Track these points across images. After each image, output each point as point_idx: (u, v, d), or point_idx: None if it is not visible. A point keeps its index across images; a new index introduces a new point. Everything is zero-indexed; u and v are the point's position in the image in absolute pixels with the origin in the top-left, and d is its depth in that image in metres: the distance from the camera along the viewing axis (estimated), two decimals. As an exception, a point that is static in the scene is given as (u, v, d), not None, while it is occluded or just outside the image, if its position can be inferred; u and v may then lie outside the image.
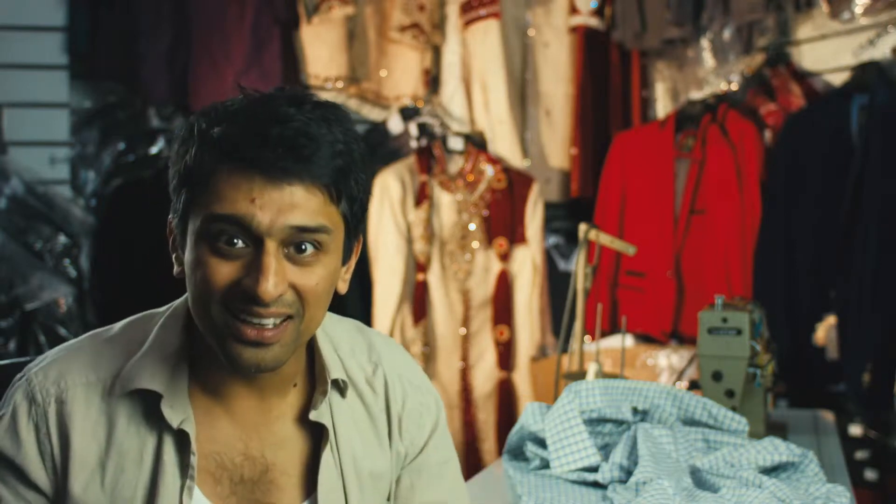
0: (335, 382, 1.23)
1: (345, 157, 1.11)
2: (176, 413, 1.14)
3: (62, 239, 3.18)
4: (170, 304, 1.22)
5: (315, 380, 1.23)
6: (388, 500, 1.31)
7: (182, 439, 1.15)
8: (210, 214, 1.08)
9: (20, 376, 1.17)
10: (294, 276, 1.10)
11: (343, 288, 1.20)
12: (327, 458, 1.21)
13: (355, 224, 1.16)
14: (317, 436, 1.22)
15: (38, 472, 1.14)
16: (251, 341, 1.09)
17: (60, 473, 1.13)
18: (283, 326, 1.11)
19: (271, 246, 1.08)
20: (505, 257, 3.43)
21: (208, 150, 1.09)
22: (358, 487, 1.24)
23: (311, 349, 1.24)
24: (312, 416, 1.20)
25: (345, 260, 1.18)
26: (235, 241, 1.08)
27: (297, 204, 1.07)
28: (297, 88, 1.16)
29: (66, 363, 1.16)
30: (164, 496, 1.13)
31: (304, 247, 1.10)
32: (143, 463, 1.14)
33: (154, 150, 3.37)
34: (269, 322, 1.09)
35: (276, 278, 1.08)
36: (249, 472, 1.19)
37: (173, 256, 1.16)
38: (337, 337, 1.28)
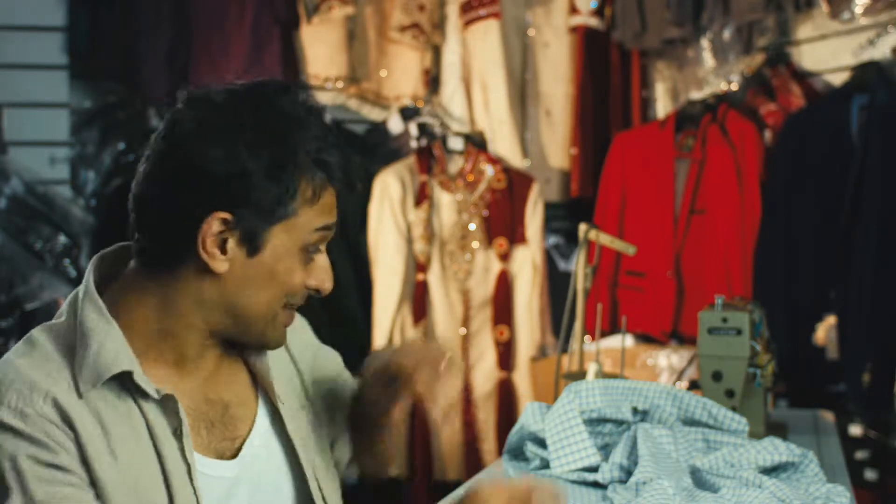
0: None
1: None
2: (149, 383, 1.20)
3: (62, 239, 3.18)
4: (58, 314, 1.27)
5: None
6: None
7: (165, 404, 1.21)
8: (324, 225, 1.25)
9: None
10: None
11: None
12: (263, 394, 1.35)
13: None
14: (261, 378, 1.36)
15: (71, 460, 1.16)
16: (287, 325, 1.29)
17: (82, 462, 1.16)
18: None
19: (324, 247, 1.29)
20: (505, 257, 3.43)
21: (321, 172, 1.23)
22: (290, 410, 1.37)
23: None
24: (256, 364, 1.35)
25: None
26: (317, 247, 1.27)
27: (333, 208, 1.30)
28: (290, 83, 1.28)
29: (26, 380, 1.17)
30: (170, 461, 1.19)
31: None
32: (140, 439, 1.19)
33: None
34: None
35: None
36: (213, 415, 1.28)
37: (215, 251, 1.20)
38: None
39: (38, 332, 1.23)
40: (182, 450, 1.21)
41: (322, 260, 1.27)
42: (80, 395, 1.17)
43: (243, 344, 1.31)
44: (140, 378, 1.19)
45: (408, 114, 3.69)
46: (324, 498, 1.36)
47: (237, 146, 1.17)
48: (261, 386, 1.35)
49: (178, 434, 1.21)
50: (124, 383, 1.20)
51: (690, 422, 1.81)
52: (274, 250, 1.22)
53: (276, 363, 1.36)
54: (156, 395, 1.20)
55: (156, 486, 1.19)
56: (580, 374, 2.46)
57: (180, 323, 1.24)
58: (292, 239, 1.22)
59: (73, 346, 1.20)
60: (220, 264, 1.21)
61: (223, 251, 1.20)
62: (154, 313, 1.24)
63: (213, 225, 1.19)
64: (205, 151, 1.17)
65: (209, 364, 1.30)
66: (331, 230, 1.26)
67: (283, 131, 1.21)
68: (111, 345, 1.19)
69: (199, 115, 1.19)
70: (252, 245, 1.21)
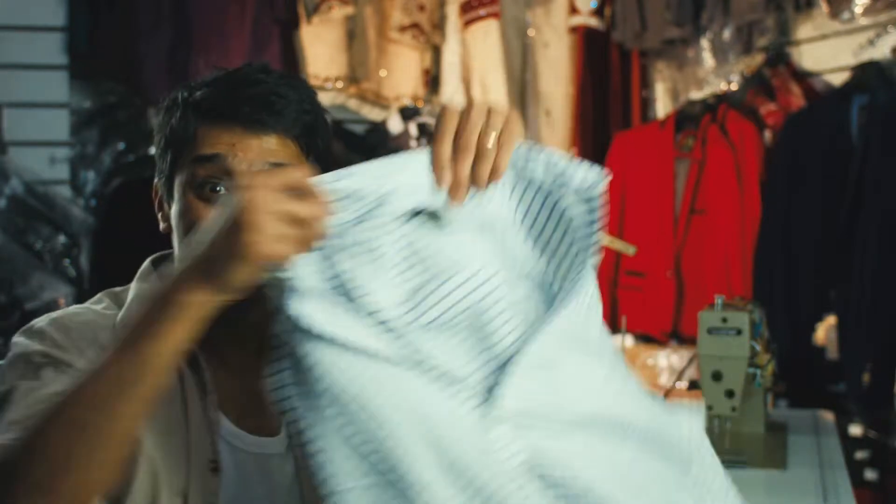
0: None
1: (311, 115, 1.24)
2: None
3: (62, 239, 3.18)
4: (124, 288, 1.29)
5: None
6: None
7: (195, 367, 1.21)
8: (195, 157, 1.19)
9: (23, 337, 1.17)
10: None
11: None
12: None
13: None
14: None
15: None
16: None
17: None
18: None
19: None
20: (505, 257, 3.43)
21: (191, 111, 1.21)
22: None
23: None
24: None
25: None
26: (219, 187, 1.18)
27: (273, 151, 1.20)
28: (266, 63, 1.30)
29: (73, 320, 1.19)
30: (194, 421, 1.19)
31: None
32: (173, 402, 1.18)
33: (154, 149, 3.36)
34: None
35: None
36: (247, 400, 1.24)
37: (159, 215, 1.27)
38: None
39: (95, 299, 1.27)
40: (205, 409, 1.20)
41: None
42: None
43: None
44: None
45: (408, 114, 3.69)
46: None
47: (161, 116, 1.26)
48: None
49: (203, 394, 1.20)
50: None
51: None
52: (178, 199, 1.21)
53: None
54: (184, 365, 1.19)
55: (178, 447, 1.17)
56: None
57: None
58: (182, 180, 1.21)
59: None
60: (163, 225, 1.26)
61: (163, 213, 1.26)
62: None
63: (155, 190, 1.28)
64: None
65: (233, 356, 1.25)
66: (213, 161, 1.18)
67: (185, 90, 1.24)
68: None
69: None
70: (168, 200, 1.24)
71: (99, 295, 1.28)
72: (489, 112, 1.03)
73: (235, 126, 1.19)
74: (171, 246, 1.26)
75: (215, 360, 1.24)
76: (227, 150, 1.18)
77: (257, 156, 1.18)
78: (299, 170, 0.97)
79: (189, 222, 1.18)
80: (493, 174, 1.02)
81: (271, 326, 1.06)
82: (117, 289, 1.28)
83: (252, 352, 1.24)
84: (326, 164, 1.22)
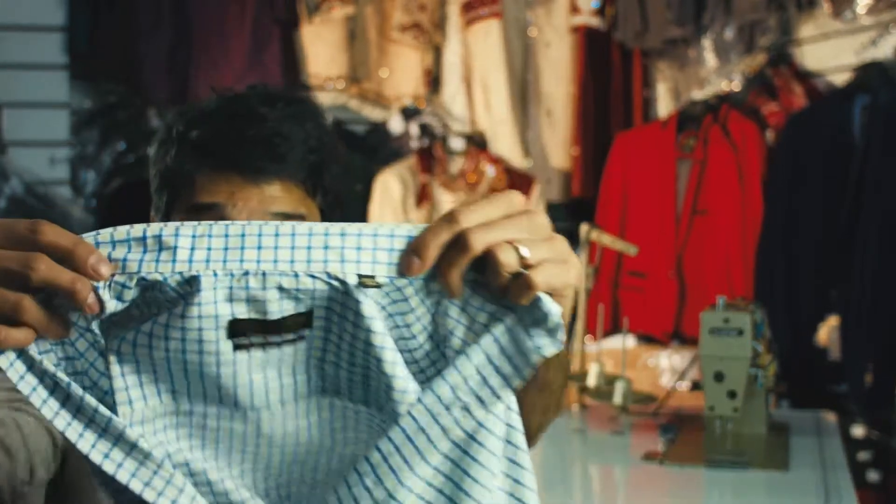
0: None
1: (318, 153, 1.15)
2: None
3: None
4: None
5: None
6: None
7: None
8: (193, 205, 1.11)
9: None
10: None
11: None
12: None
13: (330, 213, 1.19)
14: None
15: None
16: None
17: None
18: None
19: None
20: (506, 258, 3.42)
21: (187, 151, 1.13)
22: None
23: None
24: None
25: None
26: None
27: (275, 199, 1.12)
28: (268, 86, 1.21)
29: None
30: None
31: None
32: None
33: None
34: None
35: None
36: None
37: None
38: None
39: None
40: None
41: None
42: None
43: None
44: None
45: (409, 114, 3.69)
46: None
47: (155, 150, 1.19)
48: None
49: None
50: None
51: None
52: None
53: None
54: None
55: None
56: (582, 375, 2.45)
57: None
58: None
59: None
60: None
61: None
62: None
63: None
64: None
65: None
66: (211, 211, 1.10)
67: (181, 122, 1.16)
68: None
69: None
70: None
71: None
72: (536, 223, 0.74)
73: (234, 173, 1.11)
74: None
75: None
76: (226, 200, 1.10)
77: (258, 205, 1.11)
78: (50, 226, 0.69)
79: None
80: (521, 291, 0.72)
81: None
82: None
83: None
84: (335, 199, 1.19)
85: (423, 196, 3.38)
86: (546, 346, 0.73)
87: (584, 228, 2.43)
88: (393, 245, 0.73)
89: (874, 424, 3.02)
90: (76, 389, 0.72)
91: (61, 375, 0.72)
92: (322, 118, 1.19)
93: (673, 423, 2.30)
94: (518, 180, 3.46)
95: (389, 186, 3.36)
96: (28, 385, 0.71)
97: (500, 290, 0.73)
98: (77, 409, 0.72)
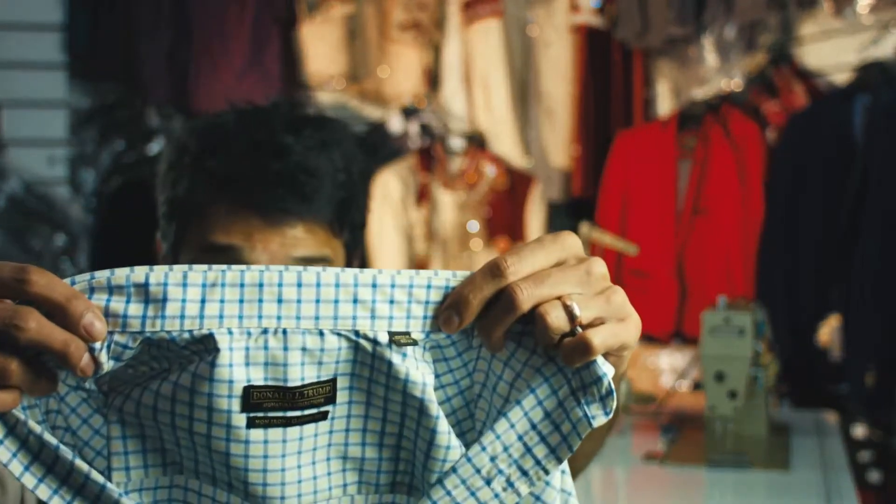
0: None
1: (346, 188, 1.05)
2: None
3: (61, 239, 3.17)
4: None
5: None
6: None
7: None
8: (207, 244, 1.01)
9: None
10: None
11: None
12: None
13: (355, 246, 1.10)
14: None
15: None
16: None
17: None
18: None
19: None
20: (506, 257, 3.42)
21: (202, 182, 1.02)
22: None
23: None
24: None
25: None
26: None
27: (298, 242, 1.01)
28: (294, 103, 1.10)
29: None
30: None
31: None
32: None
33: (153, 149, 3.36)
34: None
35: None
36: None
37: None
38: None
39: None
40: None
41: None
42: None
43: None
44: None
45: (409, 113, 3.68)
46: None
47: (164, 172, 1.08)
48: None
49: None
50: None
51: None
52: None
53: None
54: None
55: None
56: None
57: None
58: (189, 261, 1.01)
59: None
60: None
61: None
62: None
63: (158, 244, 1.11)
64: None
65: None
66: (226, 254, 0.99)
67: (194, 150, 1.04)
68: None
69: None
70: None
71: None
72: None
73: (254, 213, 0.99)
74: None
75: None
76: (243, 242, 0.99)
77: (279, 248, 1.00)
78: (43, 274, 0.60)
79: None
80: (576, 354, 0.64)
81: None
82: None
83: None
84: (362, 231, 1.09)
85: (423, 195, 3.38)
86: (597, 415, 0.64)
87: (584, 228, 2.43)
88: (429, 297, 0.65)
89: (875, 425, 3.02)
90: (65, 452, 0.62)
91: (48, 438, 0.61)
92: (351, 144, 1.08)
93: (673, 423, 2.29)
94: (518, 180, 3.45)
95: (389, 186, 3.36)
96: (7, 451, 0.61)
97: (549, 349, 0.64)
98: (66, 475, 0.62)
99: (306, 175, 1.00)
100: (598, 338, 0.62)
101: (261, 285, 0.62)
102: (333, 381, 0.65)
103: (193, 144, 1.04)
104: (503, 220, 3.41)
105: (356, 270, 0.64)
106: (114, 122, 3.44)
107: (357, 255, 1.13)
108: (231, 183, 1.00)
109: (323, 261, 1.03)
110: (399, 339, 0.64)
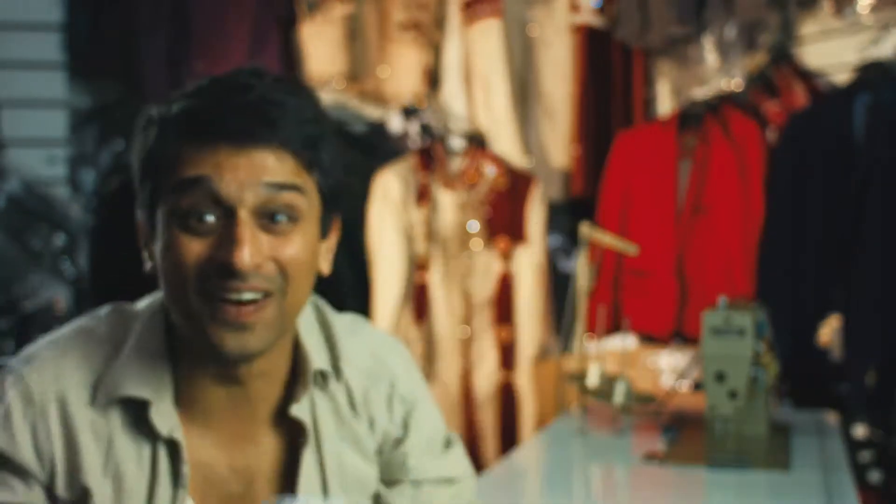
0: (317, 374, 1.17)
1: (314, 126, 1.06)
2: (164, 420, 1.09)
3: (61, 238, 3.16)
4: (149, 301, 1.18)
5: (297, 372, 1.17)
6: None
7: (172, 448, 1.10)
8: (176, 182, 1.02)
9: (8, 373, 1.11)
10: (271, 248, 1.04)
11: (326, 268, 1.14)
12: (307, 458, 1.16)
13: (332, 198, 1.11)
14: (299, 433, 1.17)
15: (36, 472, 1.08)
16: (232, 323, 1.02)
17: (63, 477, 1.08)
18: (264, 303, 1.04)
19: (244, 214, 1.02)
20: (506, 257, 3.42)
21: (169, 129, 1.05)
22: (340, 486, 1.18)
23: (294, 341, 1.17)
24: (294, 409, 1.14)
25: (323, 234, 1.12)
26: (206, 216, 1.02)
27: (267, 167, 1.03)
28: (258, 65, 1.12)
29: (60, 362, 1.10)
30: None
31: (278, 217, 1.04)
32: (141, 469, 1.10)
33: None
34: (249, 296, 1.02)
35: (252, 248, 1.01)
36: (237, 487, 1.14)
37: (144, 254, 1.11)
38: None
39: (111, 313, 1.17)
40: (175, 498, 1.09)
41: (237, 229, 1.01)
42: (101, 397, 1.09)
43: (209, 358, 1.09)
44: (154, 411, 1.09)
45: (408, 113, 3.68)
46: None
47: (137, 139, 1.12)
48: (306, 447, 1.16)
49: (176, 482, 1.10)
50: (145, 409, 1.09)
51: None
52: (161, 232, 1.05)
53: (341, 419, 1.19)
54: (163, 434, 1.09)
55: None
56: (582, 375, 2.44)
57: (177, 346, 1.12)
58: (165, 211, 1.04)
59: (120, 346, 1.12)
60: (147, 265, 1.10)
61: (148, 251, 1.10)
62: (164, 336, 1.13)
63: (138, 225, 1.12)
64: None
65: (234, 420, 1.13)
66: (196, 186, 1.02)
67: (163, 106, 1.09)
68: (140, 366, 1.10)
69: None
70: (152, 236, 1.07)
71: (107, 311, 1.18)
72: None
73: (221, 142, 1.02)
74: None
75: (201, 430, 1.13)
76: (212, 172, 1.01)
77: (248, 175, 1.02)
78: None
79: (174, 259, 1.03)
80: None
81: (268, 396, 1.07)
82: (128, 307, 1.18)
83: (245, 419, 1.14)
84: (336, 181, 1.11)
85: (423, 195, 3.38)
86: None
87: (584, 228, 2.42)
88: None
89: (875, 424, 3.01)
90: None
91: None
92: (318, 101, 1.11)
93: (674, 423, 2.29)
94: (518, 180, 3.45)
95: (389, 185, 3.36)
96: None
97: None
98: None
99: (270, 104, 1.03)
100: None
101: None
102: None
103: (160, 107, 1.09)
104: (503, 219, 3.41)
105: None
106: (113, 121, 3.43)
107: (334, 211, 1.14)
108: (196, 118, 1.03)
109: (294, 188, 1.05)
110: None
